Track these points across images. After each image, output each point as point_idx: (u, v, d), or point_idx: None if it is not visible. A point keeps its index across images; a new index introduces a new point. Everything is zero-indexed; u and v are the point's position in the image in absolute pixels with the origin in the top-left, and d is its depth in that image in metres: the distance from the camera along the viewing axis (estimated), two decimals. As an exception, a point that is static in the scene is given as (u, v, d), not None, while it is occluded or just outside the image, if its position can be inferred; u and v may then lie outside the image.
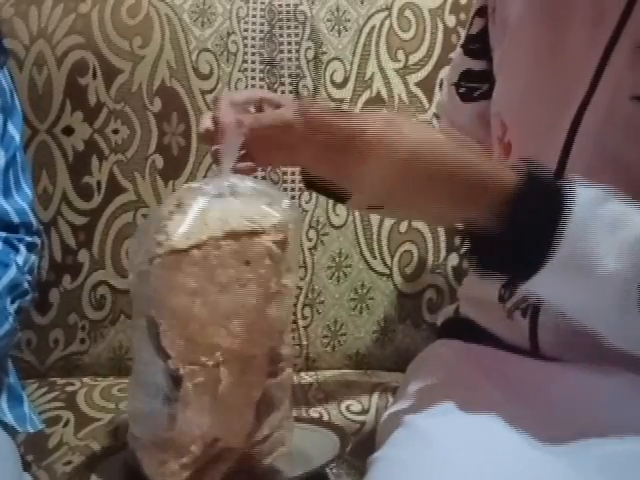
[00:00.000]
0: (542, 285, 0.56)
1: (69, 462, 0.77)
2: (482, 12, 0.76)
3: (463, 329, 0.74)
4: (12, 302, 0.77)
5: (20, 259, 0.80)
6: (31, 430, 0.79)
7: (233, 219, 0.61)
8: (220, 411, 0.61)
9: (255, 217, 0.62)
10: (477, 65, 0.77)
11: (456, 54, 0.82)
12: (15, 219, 0.81)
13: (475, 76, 0.77)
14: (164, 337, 0.60)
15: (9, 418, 0.77)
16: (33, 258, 0.82)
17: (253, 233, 0.61)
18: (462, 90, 0.79)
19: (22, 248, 0.81)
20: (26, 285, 0.80)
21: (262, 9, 0.99)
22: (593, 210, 0.54)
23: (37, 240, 0.84)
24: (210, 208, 0.61)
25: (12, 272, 0.77)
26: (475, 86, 0.77)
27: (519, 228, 0.53)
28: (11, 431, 0.76)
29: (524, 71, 0.70)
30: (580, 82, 0.64)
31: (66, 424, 0.83)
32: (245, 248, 0.61)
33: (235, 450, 0.62)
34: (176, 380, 0.60)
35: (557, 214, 0.53)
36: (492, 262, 0.56)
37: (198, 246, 0.60)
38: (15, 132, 0.83)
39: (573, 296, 0.56)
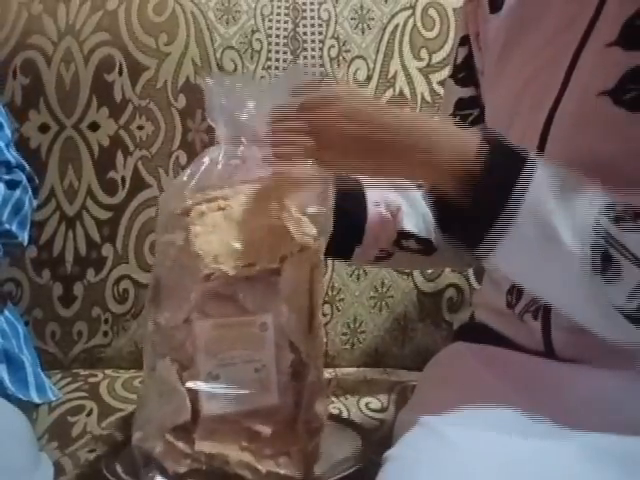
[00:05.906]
0: (509, 257, 0.58)
1: (93, 450, 0.78)
2: (464, 41, 0.79)
3: (478, 333, 0.74)
4: None
5: None
6: (53, 398, 0.81)
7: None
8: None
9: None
10: (466, 92, 0.80)
11: (447, 86, 0.84)
12: None
13: (466, 103, 0.80)
14: (295, 332, 0.64)
15: (32, 387, 0.78)
16: (17, 194, 0.83)
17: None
18: (457, 119, 0.81)
19: (0, 185, 0.81)
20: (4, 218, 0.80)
21: (286, 7, 1.00)
22: (550, 180, 0.57)
23: (20, 177, 0.84)
24: None
25: None
26: (467, 113, 0.80)
27: (482, 194, 0.57)
28: (26, 409, 0.77)
29: (504, 85, 0.72)
30: (551, 86, 0.66)
31: (89, 413, 0.84)
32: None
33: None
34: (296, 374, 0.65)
35: (518, 179, 0.57)
36: (460, 231, 0.59)
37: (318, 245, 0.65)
38: None
39: (540, 269, 0.58)
